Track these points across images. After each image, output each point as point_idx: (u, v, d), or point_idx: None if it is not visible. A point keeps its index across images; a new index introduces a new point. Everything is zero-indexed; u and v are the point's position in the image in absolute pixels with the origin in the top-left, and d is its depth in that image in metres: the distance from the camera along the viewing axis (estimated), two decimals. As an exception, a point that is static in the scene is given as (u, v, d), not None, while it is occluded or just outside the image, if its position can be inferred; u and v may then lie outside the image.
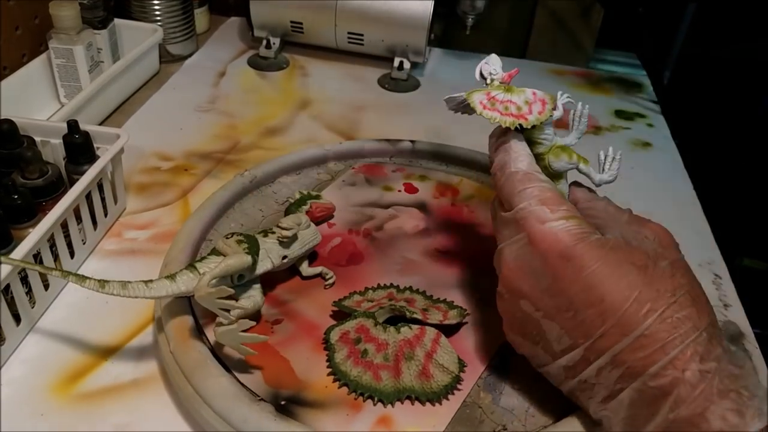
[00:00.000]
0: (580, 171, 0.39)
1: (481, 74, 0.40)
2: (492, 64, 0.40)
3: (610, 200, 0.39)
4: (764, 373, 0.45)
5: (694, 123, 0.82)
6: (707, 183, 0.65)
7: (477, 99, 0.38)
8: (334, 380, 0.39)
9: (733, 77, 0.93)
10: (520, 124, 0.37)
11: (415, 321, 0.41)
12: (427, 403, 0.38)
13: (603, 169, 0.40)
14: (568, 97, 0.40)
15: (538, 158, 0.39)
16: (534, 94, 0.38)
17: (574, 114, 0.41)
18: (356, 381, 0.38)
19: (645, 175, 0.65)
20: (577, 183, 0.40)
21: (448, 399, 0.38)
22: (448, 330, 0.42)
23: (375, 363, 0.39)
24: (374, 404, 0.38)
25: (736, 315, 0.49)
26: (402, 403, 0.38)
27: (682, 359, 0.30)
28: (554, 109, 0.38)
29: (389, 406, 0.38)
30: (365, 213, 0.54)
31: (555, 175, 0.39)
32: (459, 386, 0.39)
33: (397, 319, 0.42)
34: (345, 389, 0.39)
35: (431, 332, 0.40)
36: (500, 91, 0.38)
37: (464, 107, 0.40)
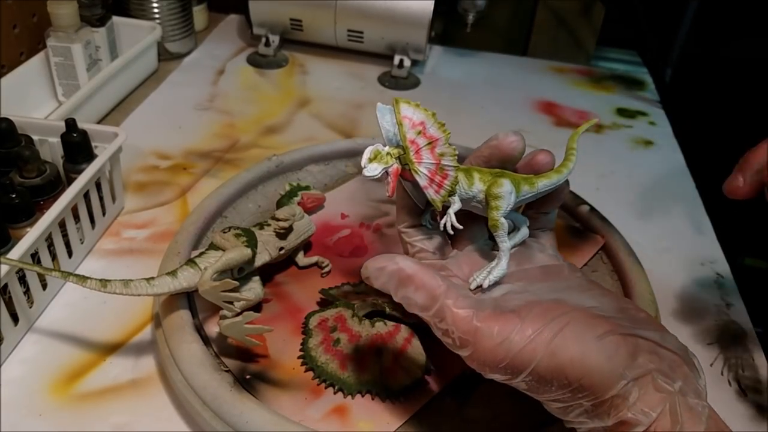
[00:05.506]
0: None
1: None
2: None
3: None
4: (765, 370, 0.44)
5: (697, 121, 0.82)
6: (709, 181, 0.65)
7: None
8: (302, 364, 0.40)
9: (736, 74, 0.92)
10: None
11: (394, 318, 0.41)
12: (387, 401, 0.38)
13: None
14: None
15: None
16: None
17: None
18: (322, 368, 0.39)
19: (647, 174, 0.65)
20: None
21: (408, 399, 0.38)
22: (430, 332, 0.41)
23: (344, 353, 0.40)
24: (334, 393, 0.38)
25: (738, 314, 0.49)
26: (362, 396, 0.38)
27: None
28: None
29: (349, 397, 0.38)
30: (381, 209, 0.54)
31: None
32: (422, 388, 0.38)
33: (380, 314, 0.42)
34: (311, 374, 0.39)
35: (405, 331, 0.40)
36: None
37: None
